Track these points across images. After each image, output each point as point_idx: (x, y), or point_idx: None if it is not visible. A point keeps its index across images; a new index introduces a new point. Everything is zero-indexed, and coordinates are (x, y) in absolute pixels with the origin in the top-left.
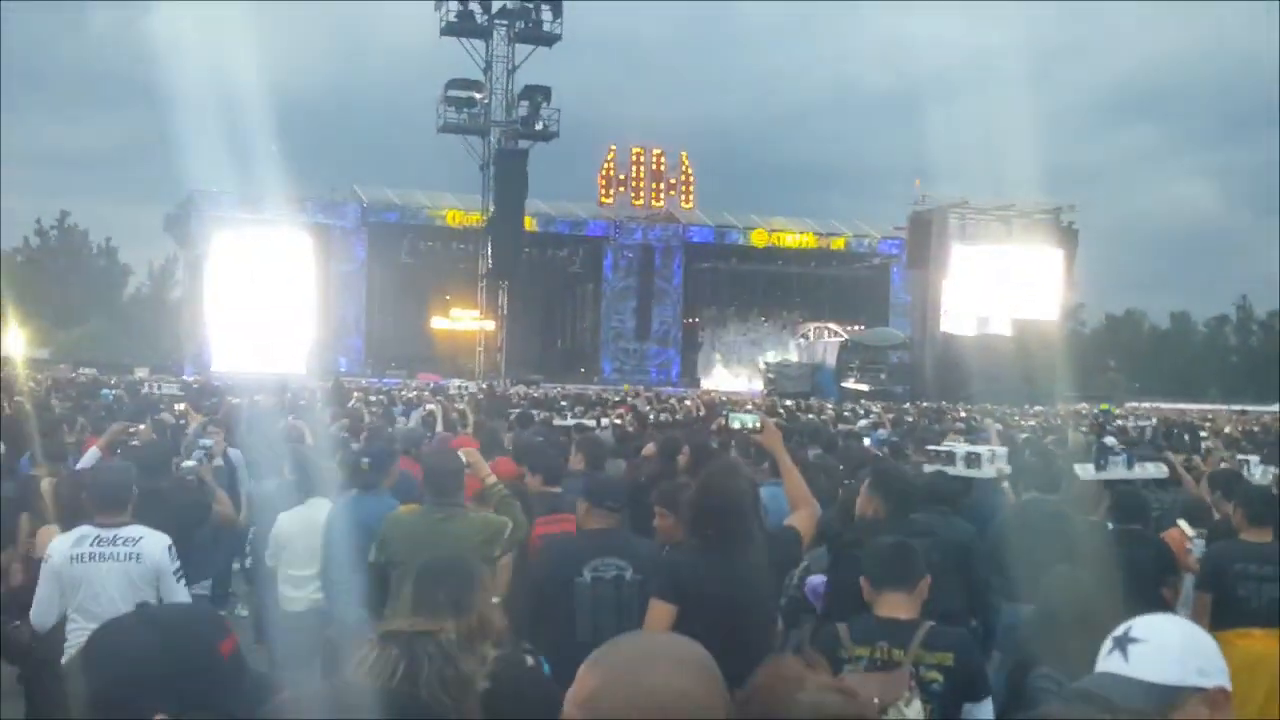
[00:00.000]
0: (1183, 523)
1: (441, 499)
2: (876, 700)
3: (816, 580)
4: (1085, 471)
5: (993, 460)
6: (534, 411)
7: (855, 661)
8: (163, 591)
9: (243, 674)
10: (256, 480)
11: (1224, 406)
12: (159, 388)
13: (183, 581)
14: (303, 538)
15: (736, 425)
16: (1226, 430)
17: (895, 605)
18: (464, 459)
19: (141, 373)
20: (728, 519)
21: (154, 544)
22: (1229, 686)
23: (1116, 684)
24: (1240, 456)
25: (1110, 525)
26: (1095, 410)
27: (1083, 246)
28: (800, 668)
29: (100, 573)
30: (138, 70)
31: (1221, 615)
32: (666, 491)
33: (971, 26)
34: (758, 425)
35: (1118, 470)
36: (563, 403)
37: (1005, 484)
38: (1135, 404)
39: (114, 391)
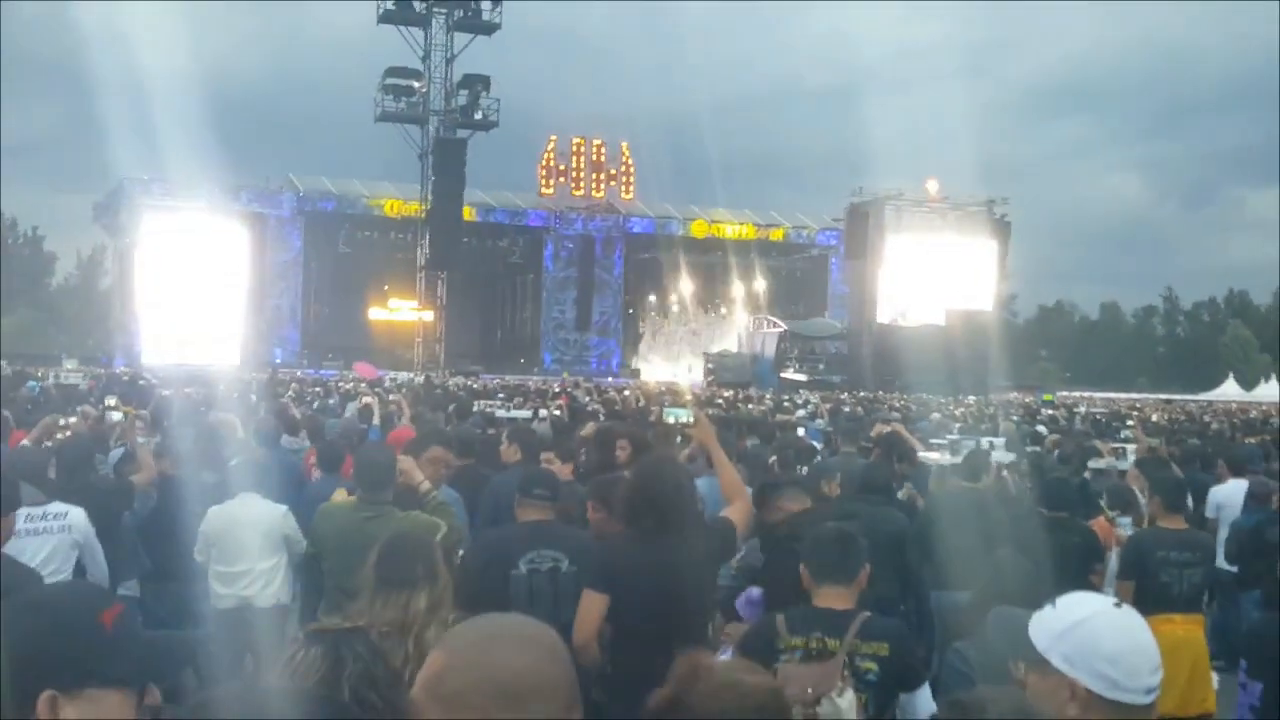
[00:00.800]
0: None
1: (372, 494)
2: (810, 691)
3: (754, 593)
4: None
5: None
6: (474, 402)
7: (791, 653)
8: (87, 558)
9: (133, 641)
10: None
11: (1152, 395)
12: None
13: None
14: (232, 533)
15: (670, 420)
16: (1154, 419)
17: (833, 597)
18: (398, 464)
19: (69, 364)
20: (662, 510)
21: (78, 515)
22: (1102, 692)
23: (1011, 624)
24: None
25: (1040, 512)
26: (1037, 400)
27: (1015, 238)
28: (711, 658)
29: (33, 545)
30: (66, 56)
31: (1144, 601)
32: (600, 485)
33: (907, 21)
34: (691, 419)
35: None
36: (500, 394)
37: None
38: (1065, 393)
39: (40, 384)
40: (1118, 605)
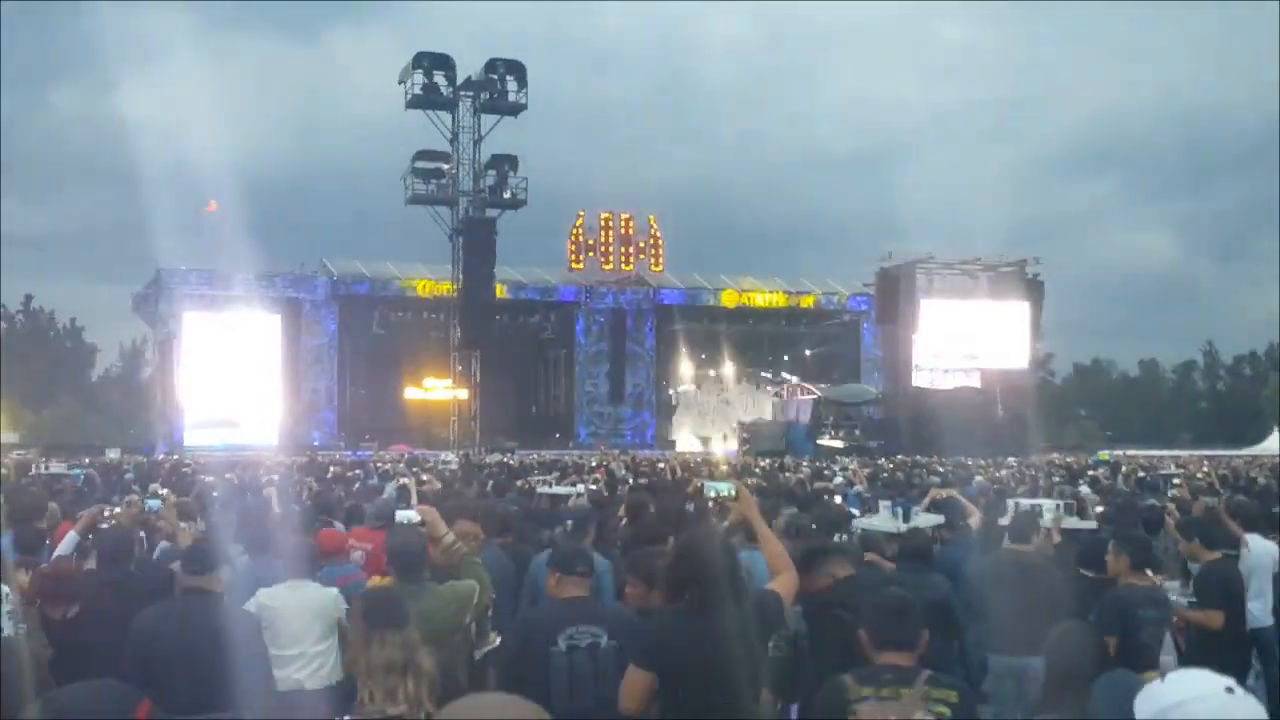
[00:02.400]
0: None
1: (407, 577)
2: (893, 719)
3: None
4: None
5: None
6: (513, 480)
7: (862, 701)
8: None
9: None
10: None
11: (1195, 451)
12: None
13: None
14: (284, 616)
15: (712, 494)
16: (1198, 476)
17: (895, 659)
18: (419, 517)
19: (113, 453)
20: (707, 584)
21: None
22: None
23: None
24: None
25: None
26: (1090, 459)
27: (1049, 297)
28: None
29: None
30: (101, 149)
31: (1130, 658)
32: (638, 560)
33: (932, 85)
34: (733, 493)
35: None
36: (536, 470)
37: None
38: (1106, 451)
39: (84, 471)
40: (1230, 690)
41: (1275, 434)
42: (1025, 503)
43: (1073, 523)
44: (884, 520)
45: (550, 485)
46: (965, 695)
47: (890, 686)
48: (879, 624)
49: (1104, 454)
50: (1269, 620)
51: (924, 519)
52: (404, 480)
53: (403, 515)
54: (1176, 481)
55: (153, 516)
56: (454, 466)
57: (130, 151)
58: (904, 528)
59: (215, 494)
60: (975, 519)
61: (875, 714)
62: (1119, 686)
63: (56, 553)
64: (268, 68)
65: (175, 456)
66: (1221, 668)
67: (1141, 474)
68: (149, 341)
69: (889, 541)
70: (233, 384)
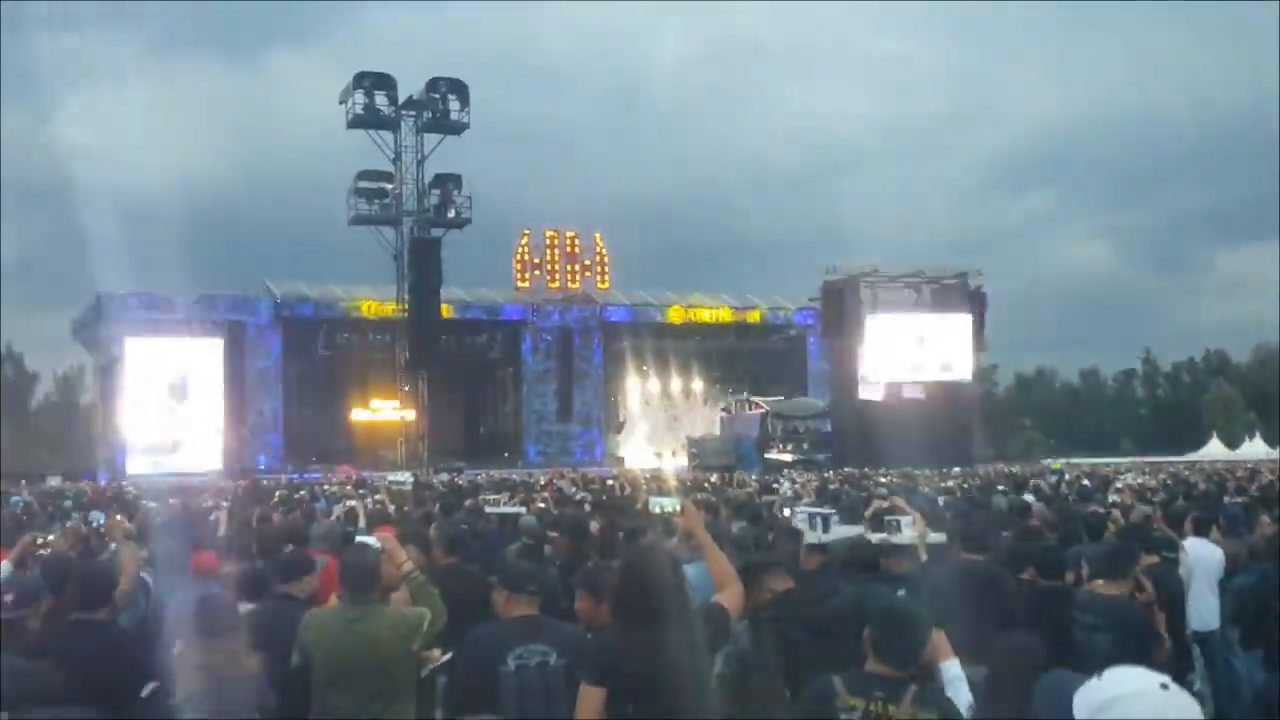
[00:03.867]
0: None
1: (357, 595)
2: None
3: None
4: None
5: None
6: (461, 499)
7: (850, 711)
8: None
9: None
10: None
11: (1137, 459)
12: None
13: None
14: None
15: (657, 509)
16: (1139, 482)
17: (888, 671)
18: (379, 545)
19: (54, 481)
20: (653, 599)
21: None
22: None
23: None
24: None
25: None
26: (1046, 469)
27: (991, 309)
28: None
29: None
30: (38, 174)
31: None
32: (588, 574)
33: (873, 100)
34: (678, 508)
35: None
36: (486, 490)
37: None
38: (1060, 461)
39: (23, 499)
40: (1164, 687)
41: (1214, 440)
42: (892, 517)
43: (938, 538)
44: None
45: (498, 505)
46: (947, 713)
47: (879, 701)
48: (880, 631)
49: (1056, 463)
50: (1214, 623)
51: (839, 530)
52: (351, 503)
53: (365, 540)
54: (1119, 487)
55: (94, 531)
56: (408, 487)
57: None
58: (825, 539)
59: (159, 519)
60: (919, 527)
61: None
62: (1058, 686)
63: None
64: (206, 89)
65: (117, 483)
66: (1162, 669)
67: (1085, 482)
68: (86, 368)
69: (810, 553)
70: (175, 408)
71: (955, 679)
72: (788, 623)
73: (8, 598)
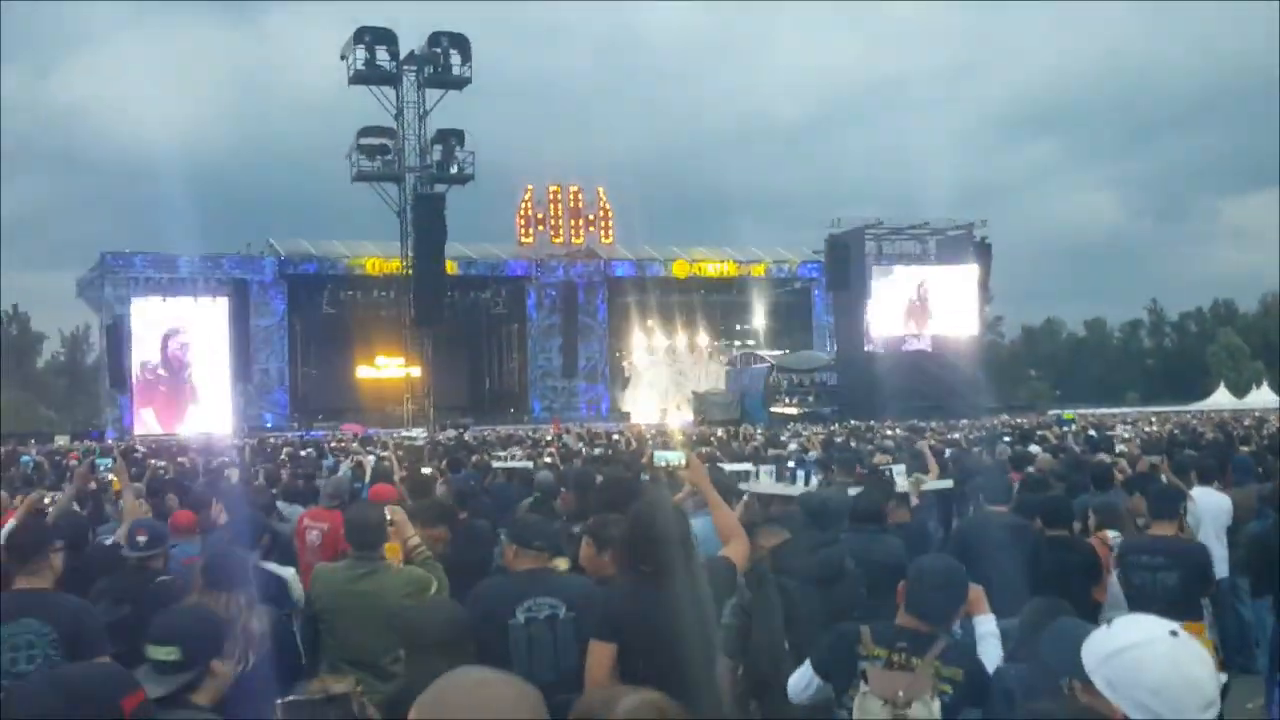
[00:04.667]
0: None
1: (363, 552)
2: (901, 694)
3: None
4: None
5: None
6: (469, 455)
7: (873, 660)
8: None
9: None
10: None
11: (1143, 409)
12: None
13: None
14: None
15: (661, 463)
16: (1147, 430)
17: (917, 625)
18: (389, 515)
19: (61, 440)
20: (661, 552)
21: None
22: (1107, 697)
23: (1068, 639)
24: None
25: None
26: (1058, 419)
27: (997, 260)
28: (613, 688)
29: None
30: (41, 134)
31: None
32: (597, 525)
33: (874, 51)
34: (683, 462)
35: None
36: (496, 447)
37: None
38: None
39: (34, 458)
40: (1174, 634)
41: (1221, 389)
42: (885, 467)
43: (932, 483)
44: (768, 484)
45: (506, 460)
46: (972, 674)
47: (903, 653)
48: (914, 585)
49: (1069, 414)
50: (1222, 572)
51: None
52: (359, 458)
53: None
54: (1126, 437)
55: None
56: (420, 442)
57: (71, 136)
58: (799, 491)
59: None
60: (933, 474)
61: (885, 683)
62: (1067, 634)
63: None
64: (207, 47)
65: (125, 441)
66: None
67: (1091, 432)
68: (92, 327)
69: (785, 505)
70: (181, 367)
71: (988, 634)
72: (782, 575)
73: (140, 539)
